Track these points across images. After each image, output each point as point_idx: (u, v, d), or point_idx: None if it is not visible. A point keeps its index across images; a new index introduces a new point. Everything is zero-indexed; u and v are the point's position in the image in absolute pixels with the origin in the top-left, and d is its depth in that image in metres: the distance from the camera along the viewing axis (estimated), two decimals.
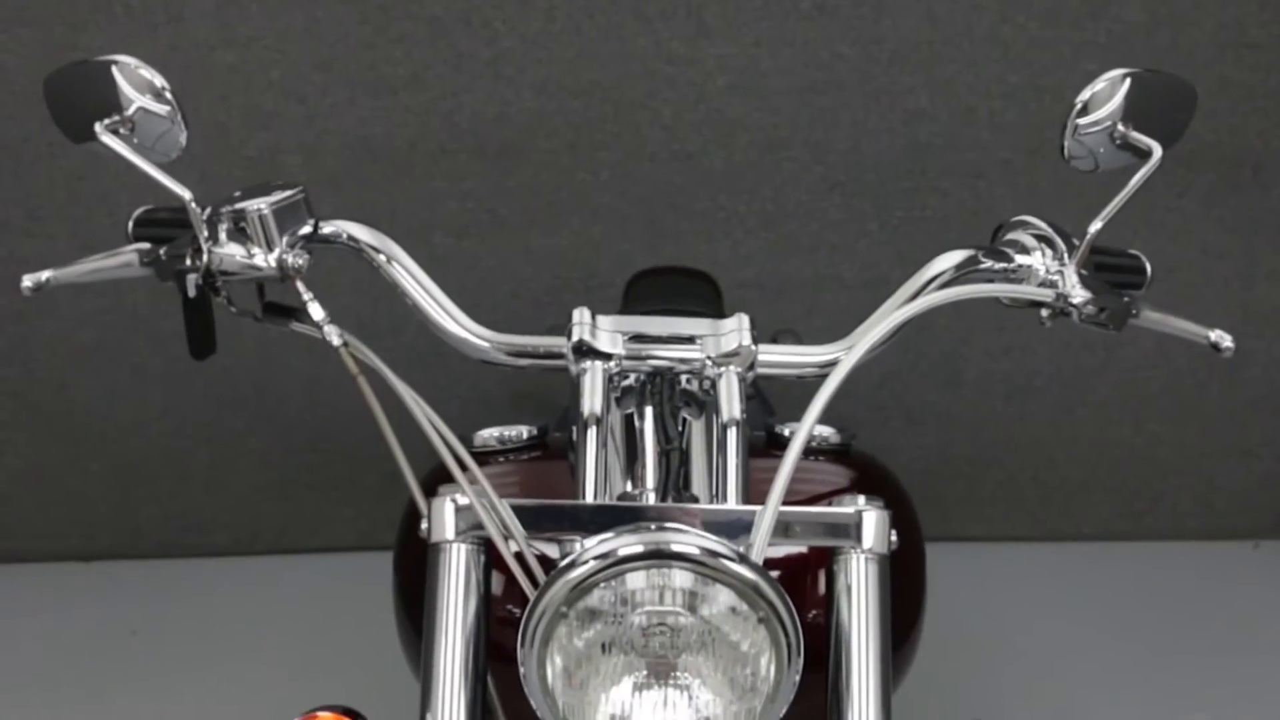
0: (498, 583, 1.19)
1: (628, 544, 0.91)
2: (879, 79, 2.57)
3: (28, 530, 2.92)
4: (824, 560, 1.12)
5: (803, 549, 1.27)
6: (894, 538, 1.08)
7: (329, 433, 2.88)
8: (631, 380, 1.21)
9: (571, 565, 0.92)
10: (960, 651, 2.63)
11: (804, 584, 0.96)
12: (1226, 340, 1.19)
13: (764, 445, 1.43)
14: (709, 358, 1.17)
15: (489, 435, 1.45)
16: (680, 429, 1.20)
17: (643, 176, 2.64)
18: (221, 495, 2.91)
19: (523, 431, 1.44)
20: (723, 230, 2.70)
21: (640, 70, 2.55)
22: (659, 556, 0.91)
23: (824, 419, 1.42)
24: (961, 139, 2.63)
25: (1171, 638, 2.74)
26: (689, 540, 0.92)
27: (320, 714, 1.00)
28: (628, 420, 1.22)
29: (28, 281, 1.13)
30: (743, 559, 0.92)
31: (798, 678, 0.94)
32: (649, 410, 1.19)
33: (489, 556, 1.07)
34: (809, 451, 1.44)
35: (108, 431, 2.86)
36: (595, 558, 0.91)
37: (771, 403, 1.87)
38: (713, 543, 0.92)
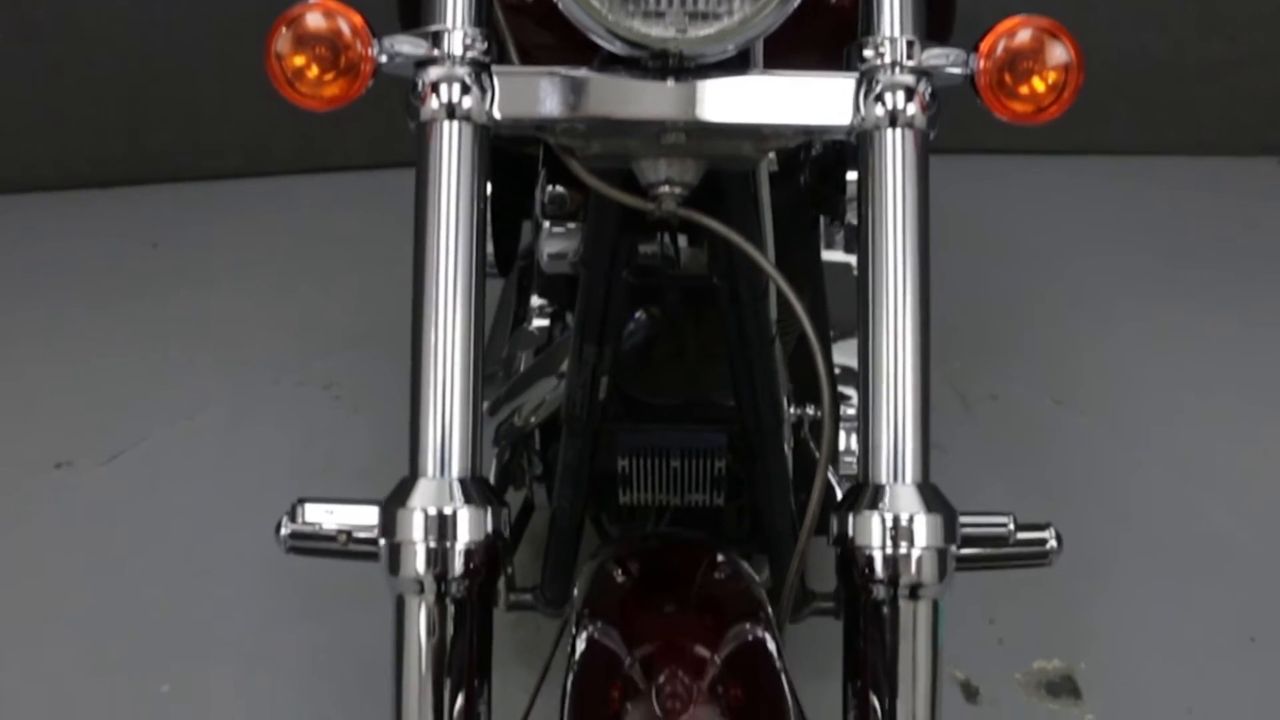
0: None
1: None
2: None
3: (43, 159, 2.92)
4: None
5: None
6: None
7: None
8: None
9: None
10: (976, 262, 2.62)
11: None
12: None
13: None
14: None
15: None
16: None
17: None
18: (233, 118, 2.89)
19: None
20: None
21: None
22: None
23: None
24: None
25: (1188, 252, 2.71)
26: None
27: None
28: None
29: None
30: None
31: None
32: None
33: None
34: None
35: (115, 57, 2.82)
36: None
37: None
38: None
